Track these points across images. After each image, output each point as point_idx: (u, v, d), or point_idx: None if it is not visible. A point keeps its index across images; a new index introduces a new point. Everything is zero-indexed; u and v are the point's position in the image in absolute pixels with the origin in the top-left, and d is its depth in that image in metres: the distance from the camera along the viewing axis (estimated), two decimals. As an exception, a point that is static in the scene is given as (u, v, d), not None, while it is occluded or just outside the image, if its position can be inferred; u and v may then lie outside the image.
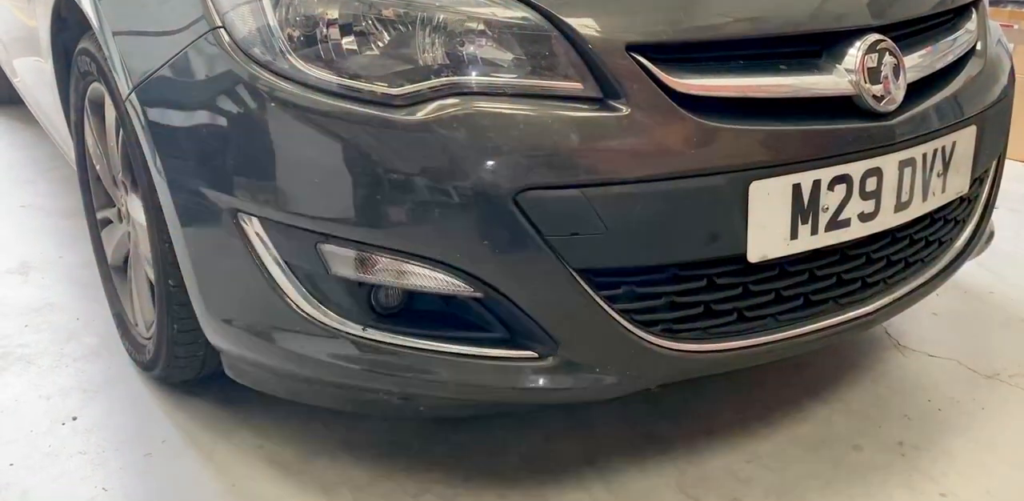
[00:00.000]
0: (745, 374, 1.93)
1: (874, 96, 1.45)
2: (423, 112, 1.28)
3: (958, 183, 1.67)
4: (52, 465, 1.68)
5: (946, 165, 1.61)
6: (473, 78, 1.30)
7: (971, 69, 1.69)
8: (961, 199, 1.77)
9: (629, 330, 1.38)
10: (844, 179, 1.44)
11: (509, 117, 1.28)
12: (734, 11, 1.41)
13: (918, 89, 1.56)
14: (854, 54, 1.44)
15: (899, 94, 1.49)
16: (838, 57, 1.44)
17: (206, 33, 1.39)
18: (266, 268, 1.42)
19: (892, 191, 1.52)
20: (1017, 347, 2.09)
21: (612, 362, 1.41)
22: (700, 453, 1.73)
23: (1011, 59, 1.88)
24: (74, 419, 1.82)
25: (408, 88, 1.29)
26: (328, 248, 1.36)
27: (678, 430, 1.79)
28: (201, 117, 1.40)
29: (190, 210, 1.46)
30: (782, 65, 1.41)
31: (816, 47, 1.45)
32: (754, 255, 1.41)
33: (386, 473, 1.65)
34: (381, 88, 1.30)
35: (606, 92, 1.32)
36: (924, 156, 1.55)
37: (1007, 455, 1.72)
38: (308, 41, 1.33)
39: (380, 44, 1.31)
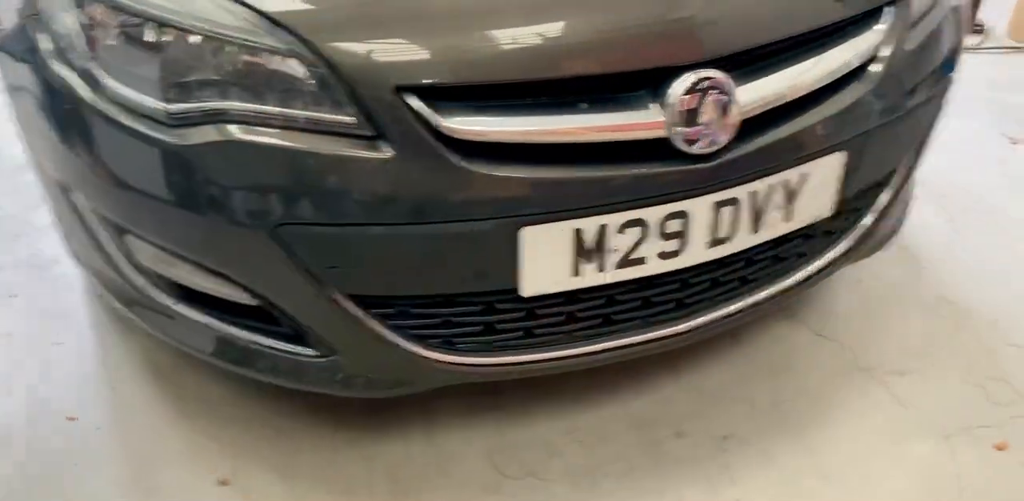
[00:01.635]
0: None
1: (686, 139, 1.35)
2: (193, 137, 1.30)
3: (815, 208, 1.57)
4: None
5: (791, 197, 1.51)
6: (241, 106, 1.29)
7: (856, 90, 1.50)
8: (838, 214, 1.67)
9: (400, 344, 1.45)
10: (638, 223, 1.39)
11: (271, 150, 1.28)
12: (526, 51, 1.30)
13: (762, 121, 1.43)
14: (669, 94, 1.32)
15: (724, 134, 1.37)
16: (652, 98, 1.34)
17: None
18: (101, 244, 1.55)
19: (704, 230, 1.45)
20: (913, 343, 2.01)
21: (385, 369, 1.50)
22: (530, 418, 1.83)
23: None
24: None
25: (181, 107, 1.30)
26: (130, 239, 1.47)
27: (522, 393, 1.87)
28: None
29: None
30: (584, 105, 1.32)
31: (629, 87, 1.34)
32: (528, 291, 1.42)
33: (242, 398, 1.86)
34: (158, 104, 1.31)
35: (378, 131, 1.29)
36: (753, 194, 1.46)
37: (825, 465, 1.72)
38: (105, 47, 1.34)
39: (157, 62, 1.31)
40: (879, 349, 2.00)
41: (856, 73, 1.51)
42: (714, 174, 1.40)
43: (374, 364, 1.49)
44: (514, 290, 1.41)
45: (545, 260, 1.38)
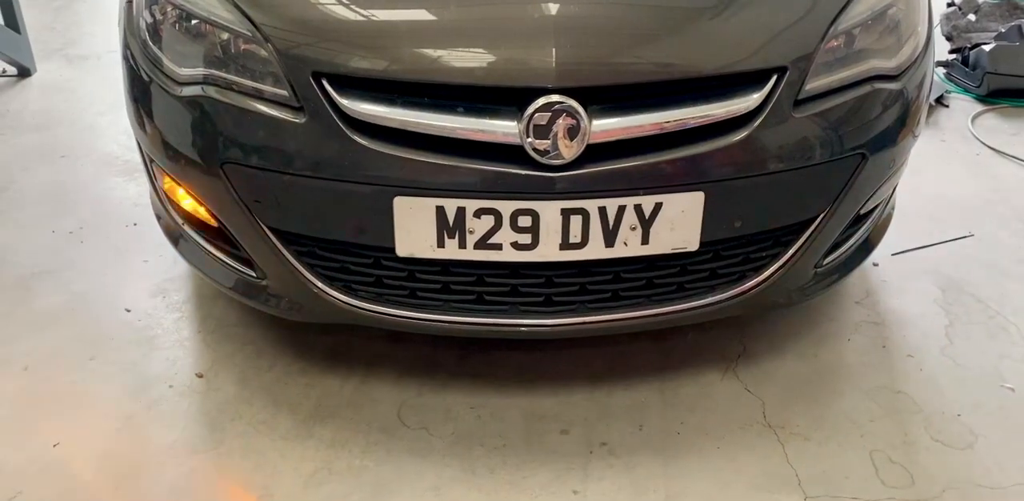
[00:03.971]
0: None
1: (536, 149, 1.62)
2: (186, 91, 1.79)
3: (676, 239, 1.74)
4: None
5: (645, 221, 1.71)
6: (218, 73, 1.76)
7: (717, 143, 1.67)
8: (718, 255, 1.82)
9: (310, 280, 1.84)
10: (492, 212, 1.68)
11: (226, 107, 1.74)
12: (419, 59, 1.65)
13: (615, 148, 1.66)
14: (528, 111, 1.61)
15: (570, 152, 1.62)
16: (518, 111, 1.63)
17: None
18: (155, 185, 2.10)
19: (554, 232, 1.69)
20: (832, 416, 2.02)
21: (298, 298, 1.88)
22: (449, 389, 2.09)
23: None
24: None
25: (187, 71, 1.80)
26: (158, 173, 2.00)
27: (455, 368, 2.14)
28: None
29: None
30: (461, 108, 1.65)
31: (499, 100, 1.63)
32: (402, 251, 1.74)
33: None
34: (176, 69, 1.83)
35: (300, 103, 1.69)
36: (603, 209, 1.68)
37: (675, 494, 1.82)
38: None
39: (186, 41, 1.84)
40: (795, 413, 2.04)
41: (723, 128, 1.69)
42: (561, 183, 1.65)
43: (293, 291, 1.88)
44: (393, 249, 1.76)
45: (414, 227, 1.71)
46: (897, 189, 2.26)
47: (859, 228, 2.01)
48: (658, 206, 1.70)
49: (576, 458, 1.93)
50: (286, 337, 2.26)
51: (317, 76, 1.68)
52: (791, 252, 1.86)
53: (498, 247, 1.72)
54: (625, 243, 1.73)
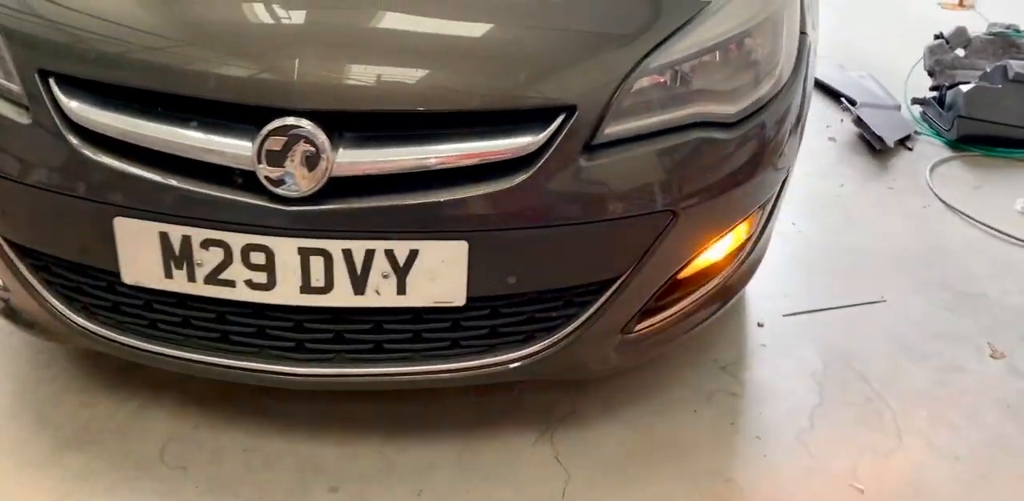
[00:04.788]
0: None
1: (269, 178, 1.40)
2: None
3: (438, 292, 1.50)
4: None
5: (400, 270, 1.48)
6: None
7: (489, 186, 1.43)
8: (497, 312, 1.58)
9: (47, 298, 1.64)
10: (221, 244, 1.46)
11: None
12: (147, 65, 1.45)
13: (365, 185, 1.43)
14: (261, 134, 1.39)
15: (308, 184, 1.40)
16: (250, 133, 1.40)
17: None
18: None
19: (292, 273, 1.47)
20: (638, 492, 1.78)
21: (38, 317, 1.69)
22: (232, 426, 1.88)
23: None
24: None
25: None
26: None
27: (250, 404, 1.92)
28: None
29: None
30: (194, 123, 1.44)
31: (237, 117, 1.42)
32: (128, 278, 1.53)
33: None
34: None
35: (28, 102, 1.49)
36: (347, 252, 1.45)
37: None
38: None
39: None
40: (599, 494, 1.78)
41: (496, 171, 1.44)
42: (298, 219, 1.43)
43: (33, 309, 1.69)
44: (119, 274, 1.55)
45: (139, 254, 1.50)
46: (770, 240, 2.00)
47: (688, 293, 1.74)
48: (413, 253, 1.47)
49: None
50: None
51: (44, 73, 1.48)
52: (586, 315, 1.61)
53: (231, 284, 1.51)
54: (378, 292, 1.50)
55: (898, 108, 3.29)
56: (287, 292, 1.50)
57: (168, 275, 1.51)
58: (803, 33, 1.72)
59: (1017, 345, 2.25)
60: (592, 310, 1.61)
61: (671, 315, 1.74)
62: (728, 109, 1.56)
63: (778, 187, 1.80)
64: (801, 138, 1.86)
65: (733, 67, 1.58)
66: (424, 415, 1.95)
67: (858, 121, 3.09)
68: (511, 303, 1.58)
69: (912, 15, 4.59)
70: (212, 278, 1.50)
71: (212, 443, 1.86)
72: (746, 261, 1.83)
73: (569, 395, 2.00)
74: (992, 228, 2.71)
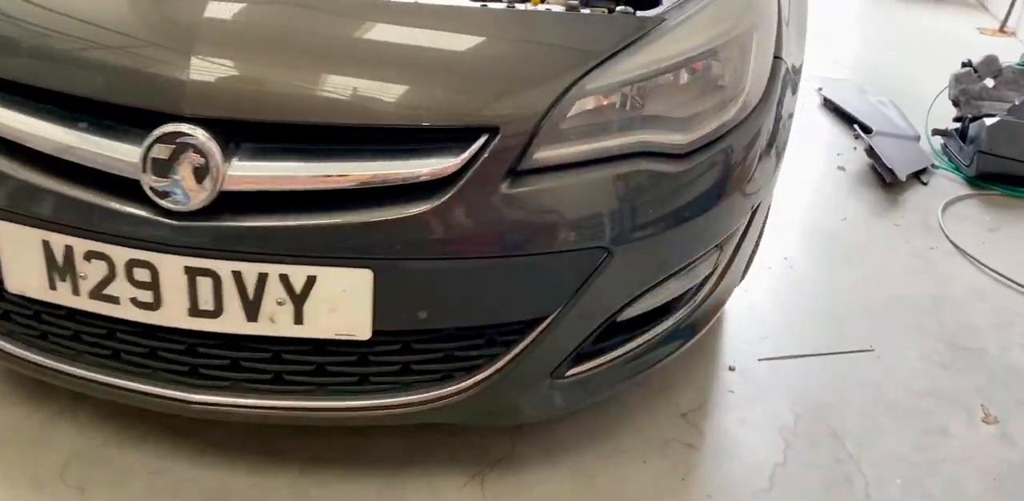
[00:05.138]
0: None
1: (154, 189, 1.27)
2: None
3: (340, 324, 1.36)
4: None
5: (296, 298, 1.34)
6: None
7: (398, 211, 1.28)
8: (409, 348, 1.43)
9: None
10: (103, 257, 1.32)
11: None
12: (37, 60, 1.32)
13: (258, 201, 1.29)
14: (147, 141, 1.26)
15: (196, 198, 1.27)
16: (140, 139, 1.27)
17: None
18: None
19: (179, 293, 1.33)
20: None
21: None
22: (144, 449, 1.74)
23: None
24: None
25: None
26: None
27: (161, 427, 1.78)
28: None
29: None
30: (83, 124, 1.31)
31: (124, 120, 1.29)
32: (12, 287, 1.40)
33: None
34: None
35: None
36: (237, 274, 1.31)
37: None
38: None
39: None
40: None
41: (407, 194, 1.30)
42: (185, 235, 1.30)
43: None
44: (2, 281, 1.43)
45: (22, 261, 1.37)
46: (740, 277, 1.83)
47: (632, 337, 1.58)
48: (311, 280, 1.33)
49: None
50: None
51: None
52: (510, 357, 1.45)
53: (115, 300, 1.37)
54: (272, 320, 1.36)
55: (917, 139, 3.08)
56: (174, 314, 1.37)
57: (52, 286, 1.39)
58: (777, 57, 1.55)
59: (1014, 410, 2.05)
60: (516, 351, 1.45)
61: (614, 358, 1.58)
62: (679, 139, 1.40)
63: (745, 221, 1.63)
64: (776, 170, 1.69)
65: (691, 91, 1.42)
66: (349, 447, 1.80)
67: (870, 151, 2.89)
68: (424, 339, 1.43)
69: (949, 39, 4.36)
70: (96, 293, 1.37)
71: (119, 462, 1.73)
72: (704, 303, 1.67)
73: (509, 435, 1.84)
74: (1003, 276, 2.50)
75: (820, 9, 4.81)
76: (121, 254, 1.33)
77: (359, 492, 1.71)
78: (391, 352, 1.44)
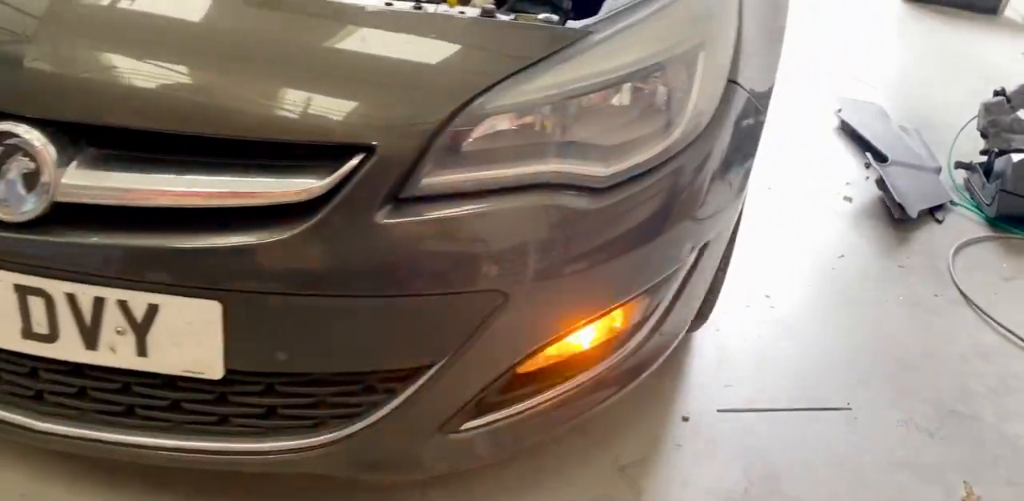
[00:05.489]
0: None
1: None
2: None
3: (186, 359, 1.18)
4: None
5: (138, 328, 1.17)
6: None
7: (255, 237, 1.10)
8: (274, 390, 1.25)
9: None
10: None
11: None
12: None
13: (102, 218, 1.12)
14: None
15: (25, 207, 1.11)
16: None
17: None
18: None
19: (12, 312, 1.17)
20: None
21: None
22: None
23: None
24: None
25: None
26: None
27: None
28: None
29: None
30: None
31: None
32: None
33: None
34: None
35: None
36: (71, 297, 1.14)
37: None
38: None
39: None
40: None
41: (266, 218, 1.12)
42: (13, 249, 1.13)
43: None
44: None
45: None
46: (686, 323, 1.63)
47: (543, 388, 1.39)
48: (153, 309, 1.16)
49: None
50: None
51: None
52: (391, 407, 1.27)
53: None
54: (113, 349, 1.19)
55: (937, 171, 2.82)
56: (6, 335, 1.21)
57: None
58: (732, 81, 1.35)
59: (1001, 490, 1.81)
60: (400, 400, 1.27)
61: (525, 410, 1.39)
62: (599, 171, 1.20)
63: (690, 260, 1.43)
64: (734, 202, 1.49)
65: (622, 116, 1.22)
66: (234, 482, 1.63)
67: (880, 182, 2.64)
68: (290, 382, 1.25)
69: (990, 64, 4.04)
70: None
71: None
72: (639, 351, 1.47)
73: (419, 483, 1.66)
74: (1013, 334, 2.24)
75: (851, 19, 4.55)
76: (-50, 264, 1.18)
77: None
78: (252, 393, 1.26)
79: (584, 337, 1.36)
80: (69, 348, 1.20)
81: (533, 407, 1.39)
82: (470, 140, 1.15)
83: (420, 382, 1.26)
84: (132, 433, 1.30)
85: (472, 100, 1.13)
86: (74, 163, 1.12)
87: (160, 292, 1.14)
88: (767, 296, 2.25)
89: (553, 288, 1.22)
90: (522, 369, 1.32)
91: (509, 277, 1.18)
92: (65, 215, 1.13)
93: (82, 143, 1.13)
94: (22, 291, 1.16)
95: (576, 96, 1.19)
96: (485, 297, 1.19)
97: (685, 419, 1.88)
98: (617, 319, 1.38)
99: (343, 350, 1.22)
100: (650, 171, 1.25)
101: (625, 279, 1.30)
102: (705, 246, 1.45)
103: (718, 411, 1.91)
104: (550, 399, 1.40)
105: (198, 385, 1.25)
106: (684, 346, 2.05)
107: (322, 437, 1.30)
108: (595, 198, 1.21)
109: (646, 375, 1.55)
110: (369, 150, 1.11)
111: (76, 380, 1.27)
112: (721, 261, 1.70)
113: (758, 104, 1.43)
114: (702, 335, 2.09)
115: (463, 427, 1.35)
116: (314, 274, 1.14)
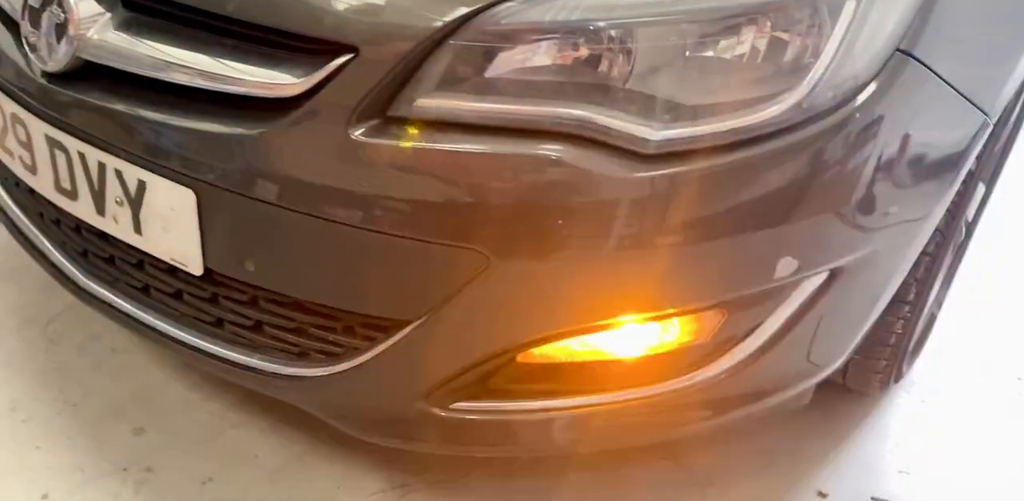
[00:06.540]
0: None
1: (26, 38, 1.11)
2: None
3: (170, 244, 1.11)
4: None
5: (132, 201, 1.09)
6: None
7: (233, 126, 0.99)
8: (256, 304, 1.12)
9: None
10: None
11: None
12: None
13: (119, 81, 1.07)
14: None
15: (54, 58, 1.08)
16: None
17: None
18: None
19: (46, 162, 1.17)
20: None
21: None
22: None
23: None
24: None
25: None
26: None
27: None
28: None
29: None
30: None
31: None
32: None
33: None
34: None
35: None
36: (83, 157, 1.11)
37: None
38: None
39: None
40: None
41: (252, 109, 0.99)
42: (46, 99, 1.12)
43: None
44: None
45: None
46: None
47: (560, 391, 1.12)
48: (142, 185, 1.09)
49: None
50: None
51: None
52: (370, 355, 1.10)
53: (9, 153, 1.27)
54: (116, 219, 1.15)
55: None
56: (43, 183, 1.22)
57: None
58: (904, 52, 0.94)
59: None
60: (375, 352, 1.10)
61: (534, 410, 1.15)
62: (646, 132, 0.90)
63: (809, 289, 1.07)
64: (925, 230, 1.09)
65: (701, 63, 0.90)
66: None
67: None
68: (272, 300, 1.13)
69: None
70: (-3, 141, 1.27)
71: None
72: (714, 385, 1.14)
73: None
74: None
75: None
76: (7, 105, 1.21)
77: None
78: (238, 301, 1.16)
79: (617, 343, 1.07)
80: (84, 209, 1.18)
81: (555, 410, 1.15)
82: (484, 61, 0.92)
83: (396, 338, 1.07)
84: (151, 314, 1.27)
85: (489, 7, 0.90)
86: (106, 21, 1.07)
87: (146, 169, 1.07)
88: (1019, 379, 1.70)
89: (555, 267, 0.96)
90: (526, 359, 1.08)
91: (494, 239, 0.94)
92: (89, 72, 1.10)
93: (120, 3, 1.08)
94: (51, 143, 1.16)
95: (650, 25, 0.90)
96: (463, 257, 0.95)
97: (822, 495, 1.48)
98: (672, 332, 1.07)
99: (311, 277, 1.06)
100: (736, 145, 0.92)
101: (676, 280, 0.99)
102: (857, 266, 1.07)
103: (872, 499, 1.48)
104: (580, 406, 1.14)
105: (191, 278, 1.18)
106: (865, 408, 1.62)
107: (307, 369, 1.17)
108: (633, 165, 0.91)
109: (725, 418, 1.22)
110: (352, 52, 0.93)
111: (106, 246, 1.27)
112: (913, 296, 1.28)
113: (980, 107, 1.01)
114: (899, 398, 1.64)
115: (455, 405, 1.14)
116: (278, 180, 0.99)
